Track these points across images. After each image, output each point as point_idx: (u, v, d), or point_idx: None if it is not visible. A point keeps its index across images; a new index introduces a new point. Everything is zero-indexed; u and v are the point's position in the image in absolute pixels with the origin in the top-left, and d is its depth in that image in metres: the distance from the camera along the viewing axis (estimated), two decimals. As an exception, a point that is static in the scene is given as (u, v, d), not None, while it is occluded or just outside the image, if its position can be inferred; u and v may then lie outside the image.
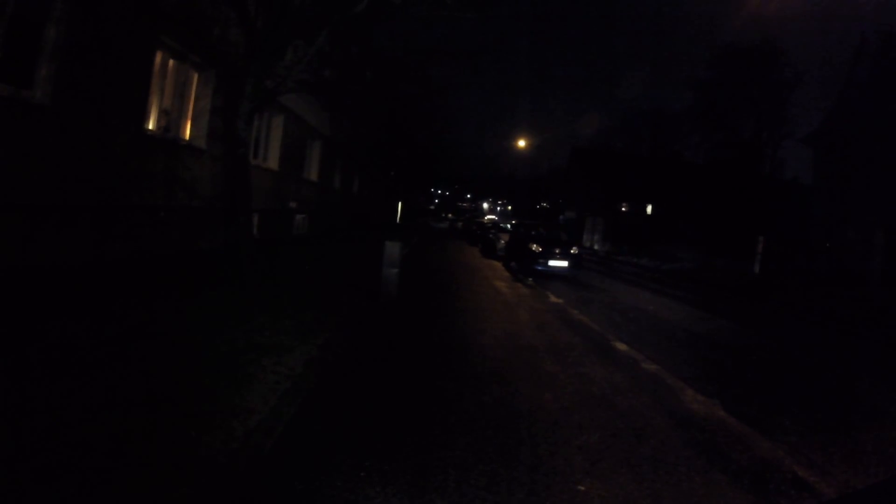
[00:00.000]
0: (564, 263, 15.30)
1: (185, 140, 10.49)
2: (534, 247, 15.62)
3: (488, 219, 46.94)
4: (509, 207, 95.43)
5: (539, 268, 15.11)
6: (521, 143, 38.25)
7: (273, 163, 15.62)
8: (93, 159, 7.68)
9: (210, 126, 10.98)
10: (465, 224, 44.21)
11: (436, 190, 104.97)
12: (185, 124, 10.66)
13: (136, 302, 5.89)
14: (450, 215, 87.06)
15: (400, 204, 55.60)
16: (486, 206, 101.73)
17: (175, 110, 10.30)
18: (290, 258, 11.53)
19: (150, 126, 9.42)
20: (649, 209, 45.79)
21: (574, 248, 16.37)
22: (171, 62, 9.87)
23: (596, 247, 42.36)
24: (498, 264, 18.04)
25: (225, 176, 11.18)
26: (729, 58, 38.42)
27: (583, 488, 3.09)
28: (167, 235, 9.55)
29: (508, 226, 25.25)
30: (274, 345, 5.04)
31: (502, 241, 20.23)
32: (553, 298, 10.81)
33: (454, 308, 8.71)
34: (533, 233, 17.77)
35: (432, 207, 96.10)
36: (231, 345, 4.86)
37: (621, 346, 6.95)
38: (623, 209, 46.88)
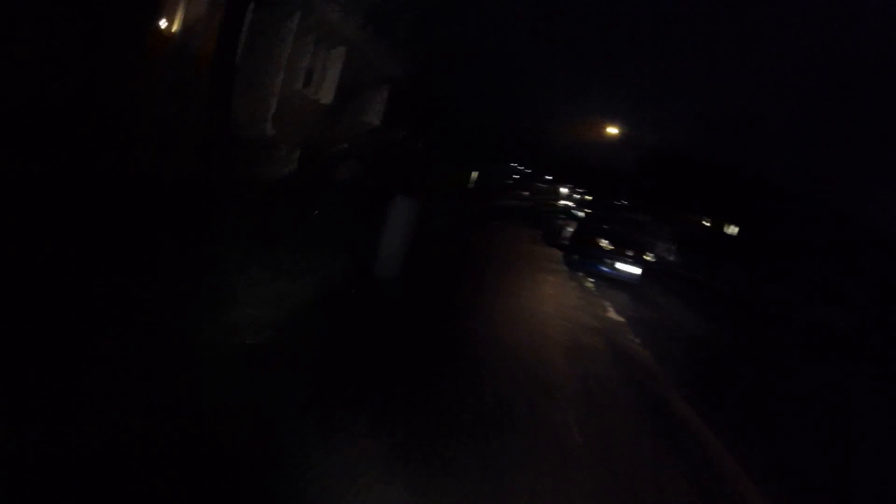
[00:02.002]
0: (635, 270, 12.89)
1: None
2: (603, 243, 13.28)
3: (562, 203, 44.13)
4: (587, 197, 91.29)
5: (604, 269, 12.77)
6: (613, 131, 34.91)
7: (327, 97, 13.93)
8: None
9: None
10: (535, 204, 41.67)
11: (516, 165, 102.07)
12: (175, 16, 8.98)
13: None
14: (525, 193, 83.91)
15: (475, 173, 53.36)
16: (564, 190, 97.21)
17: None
18: (306, 202, 9.74)
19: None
20: (732, 229, 41.84)
21: (649, 254, 13.90)
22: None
23: (670, 258, 38.97)
24: (558, 254, 15.79)
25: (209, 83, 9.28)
26: (854, 69, 33.19)
27: None
28: (142, 154, 7.96)
29: (581, 214, 22.65)
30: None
31: (569, 230, 17.85)
32: (612, 314, 8.58)
33: (474, 306, 6.68)
34: (605, 227, 15.34)
35: (510, 182, 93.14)
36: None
37: (696, 422, 4.76)
38: (704, 223, 42.99)
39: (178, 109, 8.14)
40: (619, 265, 12.75)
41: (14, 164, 5.74)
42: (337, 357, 4.02)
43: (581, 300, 9.15)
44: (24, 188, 5.27)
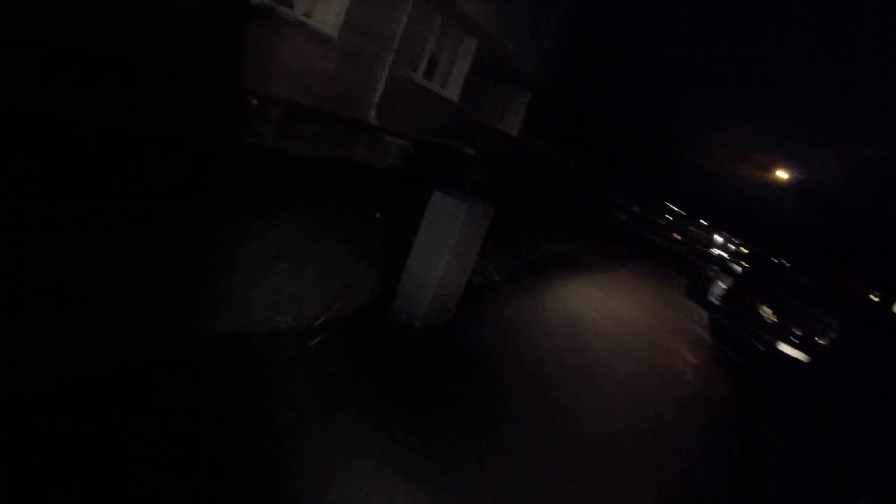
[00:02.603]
0: (801, 357, 9.62)
1: None
2: (765, 312, 10.15)
3: (715, 252, 39.56)
4: (743, 249, 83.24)
5: (762, 348, 9.68)
6: (783, 175, 29.65)
7: (453, 93, 12.23)
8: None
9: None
10: (685, 248, 37.29)
11: (670, 206, 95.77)
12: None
13: None
14: (675, 236, 78.28)
15: (625, 206, 49.42)
16: (719, 239, 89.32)
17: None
18: (385, 202, 7.92)
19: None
20: (901, 309, 34.22)
21: (823, 337, 10.44)
22: None
23: (833, 336, 32.56)
24: (702, 316, 12.76)
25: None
26: None
27: None
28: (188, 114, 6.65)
29: (736, 267, 18.80)
30: None
31: (721, 285, 14.44)
32: (761, 424, 5.79)
33: (539, 391, 4.37)
34: (768, 289, 11.98)
35: (662, 223, 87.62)
36: None
37: None
38: (872, 297, 35.61)
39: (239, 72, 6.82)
40: (783, 346, 9.56)
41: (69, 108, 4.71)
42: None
43: (727, 396, 6.42)
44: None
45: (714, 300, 14.24)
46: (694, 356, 7.76)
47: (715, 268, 16.85)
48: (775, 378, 8.67)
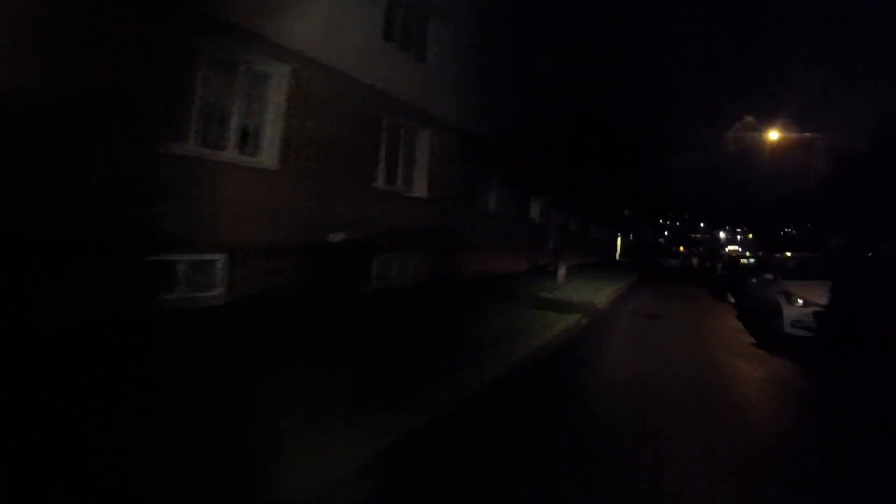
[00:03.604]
0: None
1: None
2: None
3: (732, 249, 34.48)
4: (749, 236, 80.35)
5: None
6: (773, 136, 25.02)
7: (268, 158, 7.51)
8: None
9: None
10: (700, 260, 31.89)
11: (665, 221, 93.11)
12: None
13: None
14: (681, 249, 74.64)
15: (619, 239, 45.42)
16: (722, 235, 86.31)
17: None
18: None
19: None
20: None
21: None
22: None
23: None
24: (777, 365, 7.22)
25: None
26: None
27: None
28: None
29: (790, 262, 11.85)
30: None
31: (798, 301, 8.75)
32: None
33: None
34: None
35: (661, 241, 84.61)
36: None
37: None
38: None
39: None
40: None
41: None
42: None
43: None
44: None
45: (792, 329, 8.59)
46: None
47: (768, 276, 11.02)
48: None
